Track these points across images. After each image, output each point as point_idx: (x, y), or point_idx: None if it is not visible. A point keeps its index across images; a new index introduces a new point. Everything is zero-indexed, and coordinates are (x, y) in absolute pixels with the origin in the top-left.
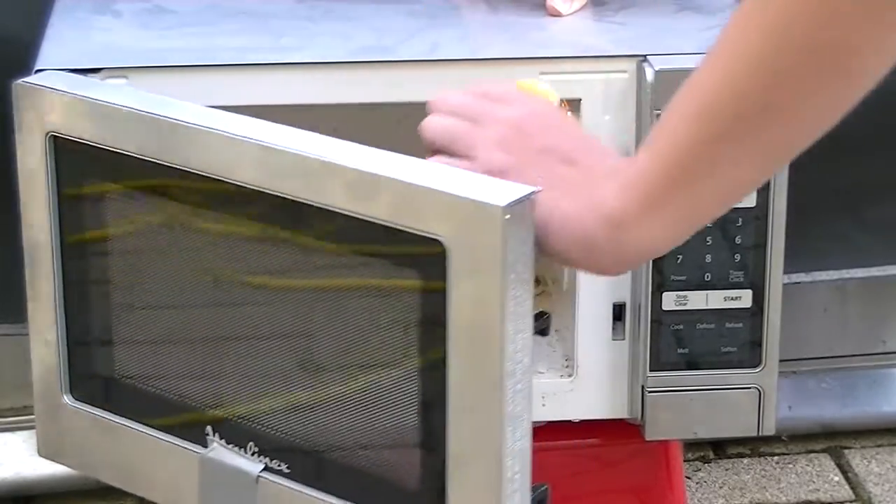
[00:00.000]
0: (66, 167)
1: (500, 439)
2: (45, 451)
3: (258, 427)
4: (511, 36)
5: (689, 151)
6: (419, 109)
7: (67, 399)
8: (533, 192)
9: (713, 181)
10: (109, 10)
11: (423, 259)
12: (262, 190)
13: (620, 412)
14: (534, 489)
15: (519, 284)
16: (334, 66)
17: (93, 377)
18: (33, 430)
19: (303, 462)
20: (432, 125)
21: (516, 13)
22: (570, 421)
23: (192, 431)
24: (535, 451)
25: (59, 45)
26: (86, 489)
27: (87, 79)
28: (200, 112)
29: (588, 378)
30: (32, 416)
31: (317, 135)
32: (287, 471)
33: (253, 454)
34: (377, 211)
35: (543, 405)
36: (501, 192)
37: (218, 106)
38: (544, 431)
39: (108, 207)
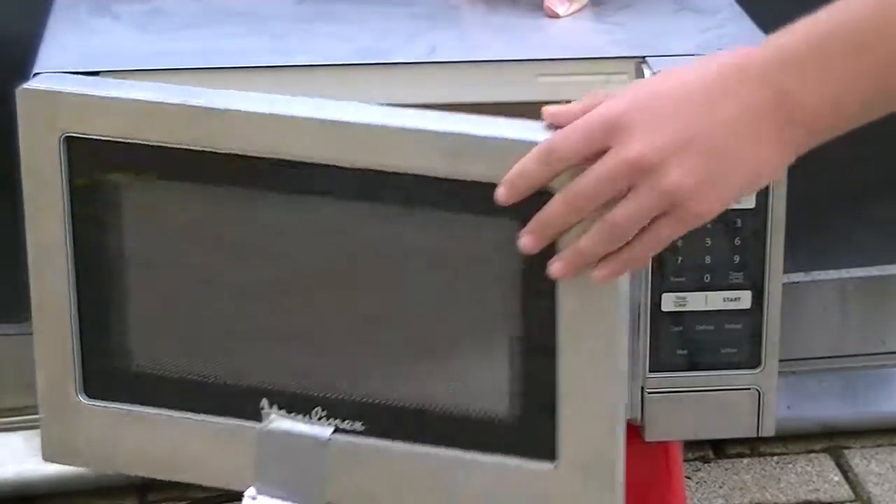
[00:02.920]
0: (81, 166)
1: (613, 367)
2: (53, 454)
3: (323, 391)
4: (509, 38)
5: None
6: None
7: (82, 398)
8: None
9: None
10: (108, 12)
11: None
12: (333, 164)
13: None
14: None
15: None
16: (333, 68)
17: (113, 373)
18: (34, 431)
19: (380, 418)
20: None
21: (515, 14)
22: None
23: (244, 408)
24: None
25: (57, 48)
26: (86, 489)
27: (97, 79)
28: (237, 95)
29: None
30: (32, 416)
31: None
32: (361, 429)
33: (320, 419)
34: (474, 171)
35: None
36: None
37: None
38: None
39: (127, 201)
